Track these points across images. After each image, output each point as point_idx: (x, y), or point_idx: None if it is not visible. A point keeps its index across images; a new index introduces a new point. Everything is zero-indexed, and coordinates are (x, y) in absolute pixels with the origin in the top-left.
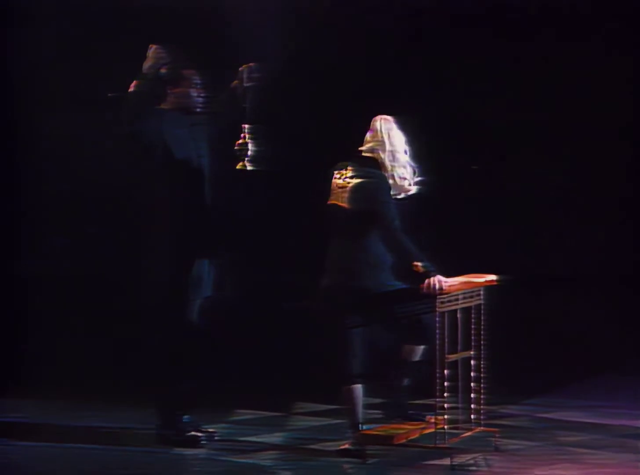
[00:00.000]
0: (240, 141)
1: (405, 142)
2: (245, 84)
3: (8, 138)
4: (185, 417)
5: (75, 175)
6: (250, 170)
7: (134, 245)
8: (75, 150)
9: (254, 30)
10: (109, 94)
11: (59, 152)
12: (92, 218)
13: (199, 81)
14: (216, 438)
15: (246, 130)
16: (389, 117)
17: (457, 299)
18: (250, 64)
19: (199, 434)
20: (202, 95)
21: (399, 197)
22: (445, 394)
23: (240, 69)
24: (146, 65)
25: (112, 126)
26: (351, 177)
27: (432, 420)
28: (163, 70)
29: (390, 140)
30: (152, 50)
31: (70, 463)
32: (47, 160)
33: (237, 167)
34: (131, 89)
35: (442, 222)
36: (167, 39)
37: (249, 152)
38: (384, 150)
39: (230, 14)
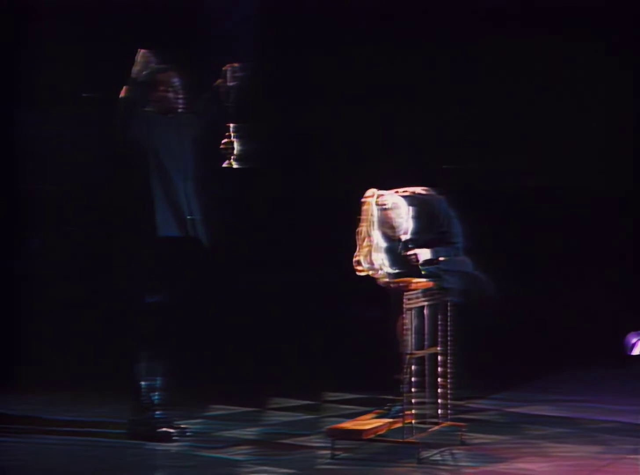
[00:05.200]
0: (226, 140)
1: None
2: (229, 83)
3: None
4: (158, 413)
5: (68, 175)
6: (236, 168)
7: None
8: (71, 151)
9: (236, 29)
10: (84, 94)
11: (54, 152)
12: (82, 217)
13: (177, 83)
14: (188, 434)
15: (231, 129)
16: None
17: (424, 296)
18: (234, 63)
19: (171, 430)
20: (180, 96)
21: None
22: (413, 389)
23: (224, 68)
24: (135, 69)
25: (106, 131)
26: None
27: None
28: (143, 75)
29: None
30: (140, 54)
31: (43, 457)
32: (41, 160)
33: (224, 165)
34: (122, 95)
35: None
36: (155, 41)
37: (235, 151)
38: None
39: (213, 14)
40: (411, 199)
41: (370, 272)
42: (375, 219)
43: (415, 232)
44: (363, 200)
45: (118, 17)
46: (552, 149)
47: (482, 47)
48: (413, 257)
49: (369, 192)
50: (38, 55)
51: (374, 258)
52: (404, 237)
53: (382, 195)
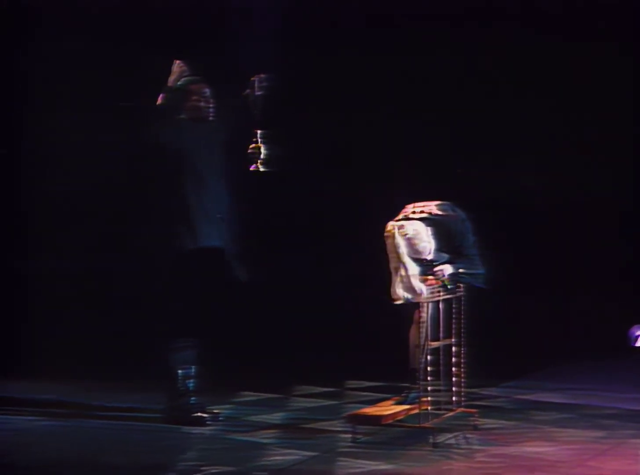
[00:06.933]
0: (253, 145)
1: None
2: (256, 93)
3: (12, 141)
4: (192, 399)
5: (74, 176)
6: (263, 172)
7: (131, 243)
8: (75, 152)
9: (261, 39)
10: (121, 104)
11: (61, 154)
12: (90, 217)
13: (207, 93)
14: (220, 418)
15: (258, 135)
16: (403, 224)
17: (439, 291)
18: (261, 74)
19: (205, 415)
20: (211, 105)
21: None
22: (429, 378)
23: (251, 78)
24: (171, 78)
25: (138, 135)
26: None
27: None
28: (177, 84)
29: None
30: (176, 64)
31: (80, 439)
32: (49, 161)
33: (251, 169)
34: (159, 102)
35: None
36: (175, 49)
37: (262, 155)
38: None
39: (240, 26)
40: (427, 221)
41: (412, 298)
42: (403, 249)
43: (436, 250)
44: (386, 235)
45: (118, 18)
46: (555, 156)
47: (488, 53)
48: (440, 273)
49: (389, 226)
50: (38, 56)
51: (414, 284)
52: (429, 257)
53: (402, 226)
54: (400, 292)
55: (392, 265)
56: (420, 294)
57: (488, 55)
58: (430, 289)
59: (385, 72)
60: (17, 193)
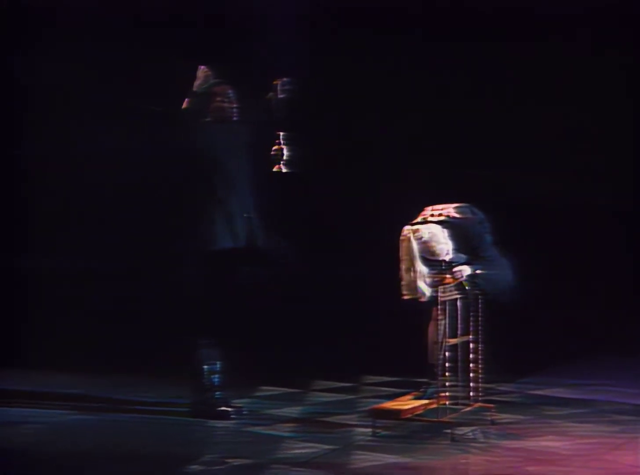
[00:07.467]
0: (276, 147)
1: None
2: (279, 96)
3: (12, 141)
4: (217, 393)
5: (75, 176)
6: (285, 173)
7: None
8: (76, 152)
9: (284, 43)
10: (153, 108)
11: (61, 154)
12: (94, 216)
13: (231, 94)
14: (244, 412)
15: (281, 138)
16: (417, 228)
17: (457, 289)
18: (284, 78)
19: (229, 409)
20: (234, 106)
21: None
22: (447, 374)
23: (274, 82)
24: (196, 83)
25: (165, 138)
26: None
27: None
28: (202, 88)
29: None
30: (201, 70)
31: (109, 432)
32: (49, 161)
33: (274, 170)
34: (184, 106)
35: None
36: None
37: (284, 157)
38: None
39: (261, 29)
40: (444, 224)
41: (417, 297)
42: (417, 253)
43: (454, 251)
44: (401, 239)
45: (118, 18)
46: (555, 156)
47: (489, 55)
48: (458, 273)
49: (405, 230)
50: (38, 56)
51: (419, 286)
52: (447, 258)
53: (417, 230)
54: (408, 290)
55: (404, 266)
56: (423, 296)
57: (488, 57)
58: (442, 289)
59: (402, 75)
60: (18, 193)
